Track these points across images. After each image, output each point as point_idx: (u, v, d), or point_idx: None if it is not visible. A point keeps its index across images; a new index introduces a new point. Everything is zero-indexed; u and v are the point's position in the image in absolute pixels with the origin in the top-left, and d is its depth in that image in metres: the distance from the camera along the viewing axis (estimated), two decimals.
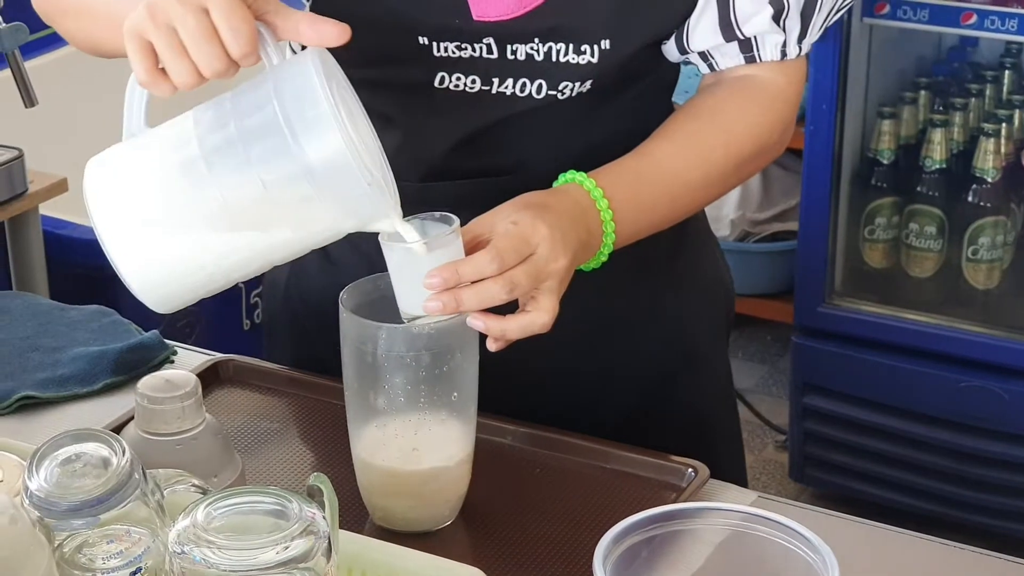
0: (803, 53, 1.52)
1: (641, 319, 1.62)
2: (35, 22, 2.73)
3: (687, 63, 1.56)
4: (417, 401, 1.34)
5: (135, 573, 1.12)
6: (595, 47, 1.47)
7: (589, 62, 1.47)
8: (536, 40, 1.46)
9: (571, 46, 1.46)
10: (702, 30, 1.49)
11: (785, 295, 3.38)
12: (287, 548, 1.06)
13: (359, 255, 1.55)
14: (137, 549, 1.13)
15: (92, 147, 3.08)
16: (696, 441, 1.60)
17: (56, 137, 2.86)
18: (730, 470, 1.50)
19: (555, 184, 1.42)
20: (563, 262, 1.33)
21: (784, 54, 1.50)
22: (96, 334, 1.73)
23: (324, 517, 1.10)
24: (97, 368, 1.65)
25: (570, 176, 1.41)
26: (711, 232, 1.74)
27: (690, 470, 1.44)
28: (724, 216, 3.45)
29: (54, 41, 3.13)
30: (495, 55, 1.47)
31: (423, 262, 1.29)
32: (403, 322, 1.33)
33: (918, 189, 3.08)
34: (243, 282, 2.73)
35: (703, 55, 1.52)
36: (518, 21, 1.45)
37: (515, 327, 1.32)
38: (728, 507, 1.12)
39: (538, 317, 1.32)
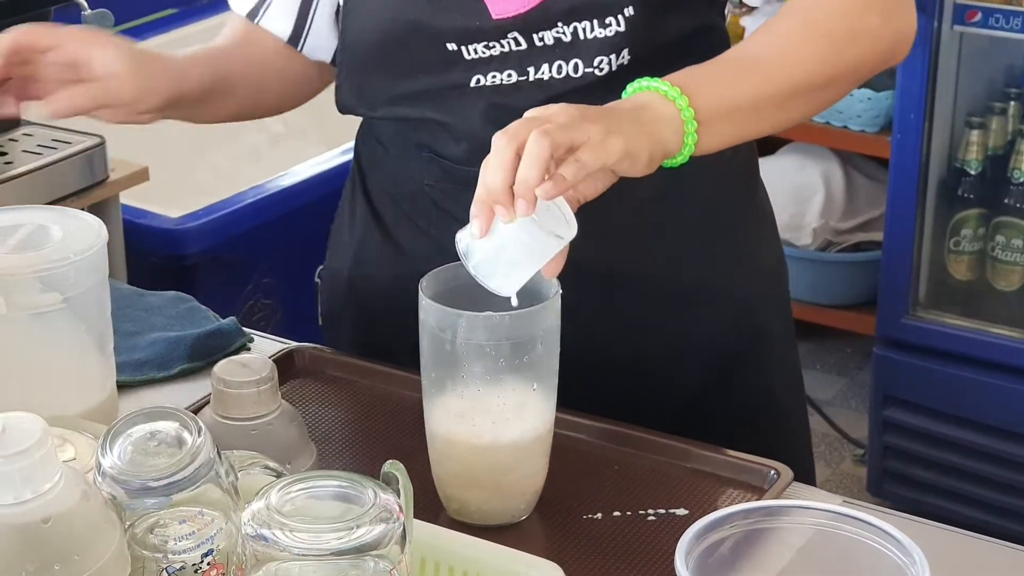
0: None
1: (708, 297, 1.60)
2: (121, 11, 2.75)
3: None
4: (496, 391, 1.32)
5: (207, 555, 1.11)
6: (619, 16, 1.46)
7: (617, 32, 1.47)
8: (559, 24, 1.47)
9: (595, 21, 1.47)
10: None
11: (866, 307, 3.34)
12: (361, 533, 1.04)
13: (428, 240, 1.57)
14: (209, 531, 1.11)
15: (175, 138, 3.09)
16: (761, 428, 1.60)
17: (139, 126, 2.86)
18: (795, 461, 1.47)
19: (627, 91, 1.38)
20: (596, 110, 1.30)
21: None
22: (174, 320, 1.72)
23: (399, 504, 1.08)
24: (174, 353, 1.64)
25: (644, 85, 1.37)
26: (772, 214, 1.71)
27: (772, 472, 1.42)
28: (806, 225, 3.41)
29: (140, 32, 3.14)
30: (524, 46, 1.48)
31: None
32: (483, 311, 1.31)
33: (1005, 201, 3.04)
34: (319, 276, 2.74)
35: None
36: (536, 11, 1.46)
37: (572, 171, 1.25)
38: (814, 505, 1.09)
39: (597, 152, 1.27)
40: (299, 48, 1.66)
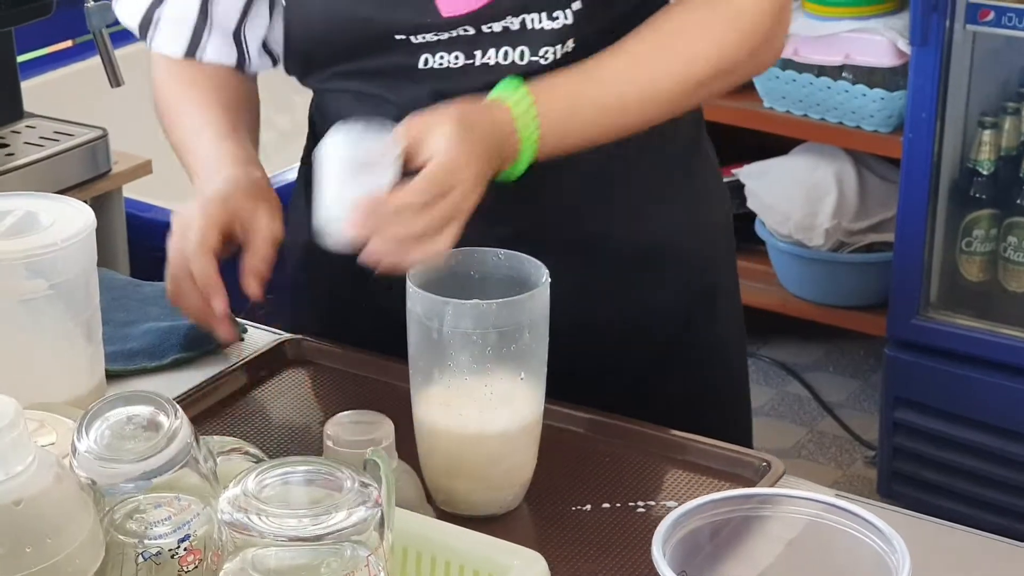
0: None
1: (659, 259, 1.62)
2: None
3: None
4: (483, 380, 1.31)
5: (183, 540, 1.10)
6: (567, 10, 1.48)
7: (565, 24, 1.49)
8: (509, 16, 1.49)
9: (544, 14, 1.49)
10: None
11: (879, 308, 3.32)
12: (338, 519, 1.03)
13: None
14: (186, 516, 1.10)
15: None
16: (716, 385, 1.66)
17: (142, 119, 2.86)
18: (741, 420, 1.49)
19: (493, 92, 1.44)
20: (474, 200, 1.38)
21: None
22: (168, 310, 1.71)
23: (377, 491, 1.07)
24: (166, 343, 1.63)
25: (504, 86, 1.44)
26: (718, 172, 1.74)
27: (763, 463, 1.40)
28: (819, 225, 3.39)
29: None
30: (472, 32, 1.50)
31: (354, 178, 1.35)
32: (470, 299, 1.31)
33: (1018, 202, 3.02)
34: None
35: None
36: (486, 8, 1.48)
37: (414, 260, 1.35)
38: (795, 493, 1.08)
39: (437, 246, 1.35)
40: (245, 70, 1.69)
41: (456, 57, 1.51)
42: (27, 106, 2.38)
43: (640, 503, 1.37)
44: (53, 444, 1.17)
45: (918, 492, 3.16)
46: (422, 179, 1.36)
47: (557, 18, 1.49)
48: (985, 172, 3.04)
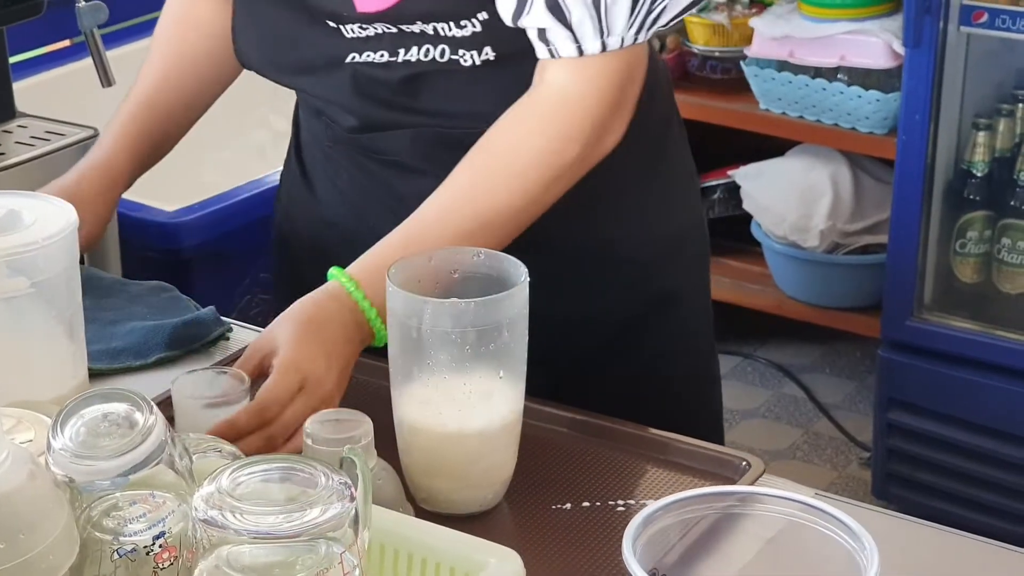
0: (610, 49, 1.46)
1: (609, 258, 1.64)
2: (120, 7, 2.75)
3: None
4: (462, 379, 1.31)
5: (159, 537, 1.10)
6: (473, 20, 1.50)
7: (474, 32, 1.50)
8: (419, 21, 1.50)
9: (451, 23, 1.50)
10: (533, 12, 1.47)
11: (875, 310, 3.32)
12: (311, 516, 1.04)
13: (337, 191, 1.70)
14: (161, 513, 1.11)
15: None
16: (656, 392, 1.66)
17: None
18: (689, 430, 1.50)
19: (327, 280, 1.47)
20: (331, 384, 1.42)
21: (580, 51, 1.46)
22: (154, 309, 1.72)
23: (351, 488, 1.07)
24: (151, 342, 1.64)
25: (335, 274, 1.46)
26: (690, 180, 1.74)
27: (743, 463, 1.41)
28: (814, 227, 3.39)
29: (138, 32, 3.14)
30: (395, 30, 1.52)
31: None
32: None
33: (1012, 203, 3.02)
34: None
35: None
36: (395, 8, 1.50)
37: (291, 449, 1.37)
38: (766, 492, 1.08)
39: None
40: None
41: (381, 55, 1.54)
42: (19, 106, 2.38)
43: (620, 502, 1.38)
44: (31, 441, 1.18)
45: (912, 494, 3.16)
46: (271, 376, 1.40)
47: (465, 27, 1.50)
48: (979, 174, 3.04)
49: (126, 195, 2.45)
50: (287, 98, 3.37)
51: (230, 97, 3.26)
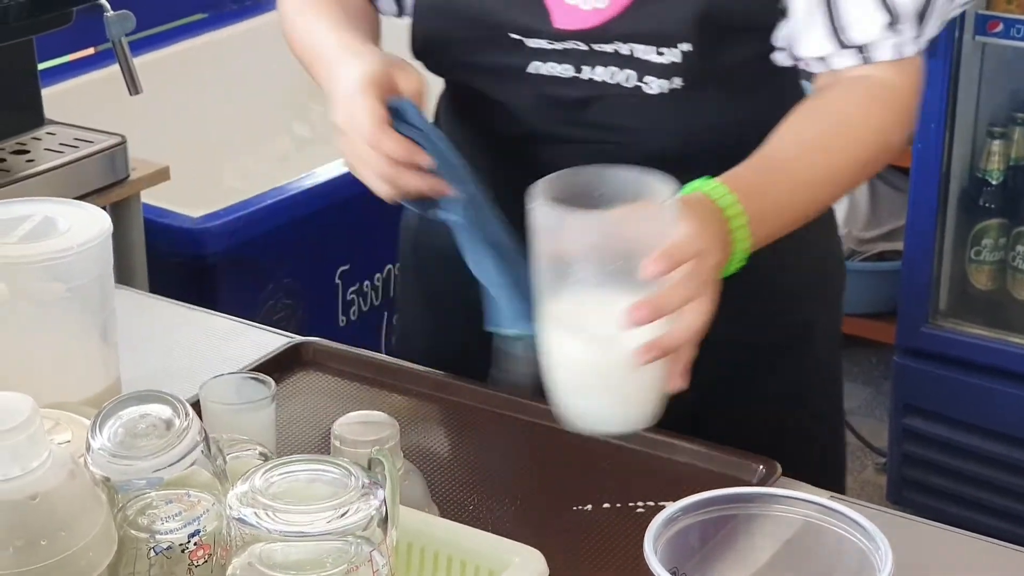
0: (920, 51, 1.51)
1: (753, 283, 1.55)
2: (147, 15, 2.79)
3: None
4: (608, 294, 1.27)
5: (194, 535, 1.13)
6: (675, 48, 1.49)
7: (673, 62, 1.49)
8: (617, 42, 1.50)
9: (652, 48, 1.49)
10: (812, 39, 1.49)
11: (890, 316, 3.34)
12: (342, 516, 1.06)
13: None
14: (196, 512, 1.14)
15: (194, 138, 3.13)
16: (786, 428, 1.61)
17: (160, 126, 2.91)
18: (811, 465, 1.49)
19: (684, 191, 1.37)
20: (721, 260, 1.33)
21: (900, 53, 1.49)
22: None
23: (382, 488, 1.10)
24: None
25: (696, 185, 1.38)
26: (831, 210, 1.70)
27: (760, 467, 1.43)
28: None
29: (168, 38, 3.18)
30: (584, 48, 1.52)
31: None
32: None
33: None
34: (340, 279, 2.77)
35: (817, 59, 1.51)
36: (599, 28, 1.50)
37: (680, 335, 1.28)
38: (783, 493, 1.11)
39: (698, 319, 1.29)
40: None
41: (565, 69, 1.53)
42: (47, 113, 2.41)
43: (640, 504, 1.40)
44: (68, 442, 1.21)
45: (927, 498, 3.17)
46: (678, 238, 1.29)
47: (663, 55, 1.49)
48: (994, 182, 3.06)
49: (151, 201, 2.50)
50: (310, 105, 3.44)
51: (253, 103, 3.31)
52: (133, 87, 2.37)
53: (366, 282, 2.87)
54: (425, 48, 1.61)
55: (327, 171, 2.79)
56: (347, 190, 2.75)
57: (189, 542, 1.13)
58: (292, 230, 2.69)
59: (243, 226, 2.60)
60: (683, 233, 1.28)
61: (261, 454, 1.22)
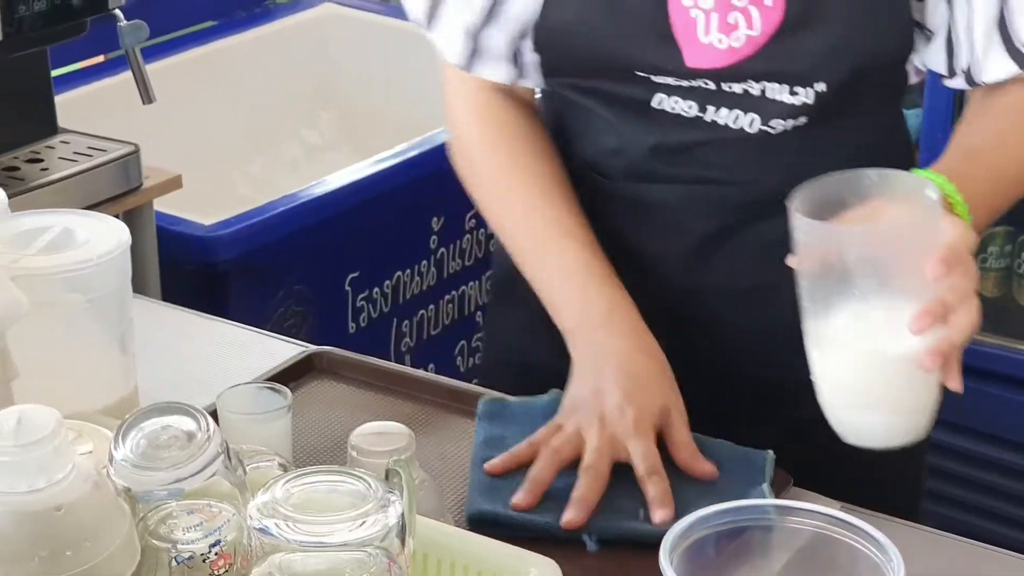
0: None
1: None
2: (158, 23, 2.80)
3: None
4: (885, 303, 1.27)
5: (215, 545, 1.15)
6: (810, 89, 1.49)
7: (804, 103, 1.50)
8: (750, 80, 1.50)
9: (786, 88, 1.49)
10: (994, 64, 1.48)
11: None
12: (361, 526, 1.08)
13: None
14: (217, 522, 1.15)
15: (207, 145, 3.15)
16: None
17: (169, 132, 2.92)
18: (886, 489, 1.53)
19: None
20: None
21: None
22: None
23: (399, 499, 1.11)
24: None
25: (926, 174, 1.39)
26: None
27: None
28: None
29: (177, 45, 3.19)
30: (712, 87, 1.51)
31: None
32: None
33: None
34: (350, 285, 2.78)
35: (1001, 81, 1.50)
36: (734, 66, 1.49)
37: (960, 335, 1.29)
38: (798, 505, 1.12)
39: (971, 316, 1.30)
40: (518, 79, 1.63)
41: (690, 106, 1.53)
42: (59, 119, 2.43)
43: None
44: (90, 452, 1.22)
45: (936, 506, 3.17)
46: (951, 238, 1.29)
47: (797, 94, 1.49)
48: None
49: (163, 208, 2.51)
50: (319, 112, 3.45)
51: (263, 110, 3.33)
52: (146, 96, 2.38)
53: (375, 289, 2.88)
54: (546, 71, 1.59)
55: (337, 178, 2.80)
56: (357, 197, 2.77)
57: (210, 552, 1.14)
58: (303, 237, 2.70)
59: (254, 233, 2.61)
60: (955, 233, 1.29)
61: (280, 465, 1.24)
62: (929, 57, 1.52)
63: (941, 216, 1.29)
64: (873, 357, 1.28)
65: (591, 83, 1.56)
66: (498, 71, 1.59)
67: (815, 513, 1.12)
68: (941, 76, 1.53)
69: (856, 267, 1.25)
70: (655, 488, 1.39)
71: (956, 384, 1.30)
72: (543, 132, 1.63)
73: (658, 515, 1.37)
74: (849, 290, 1.26)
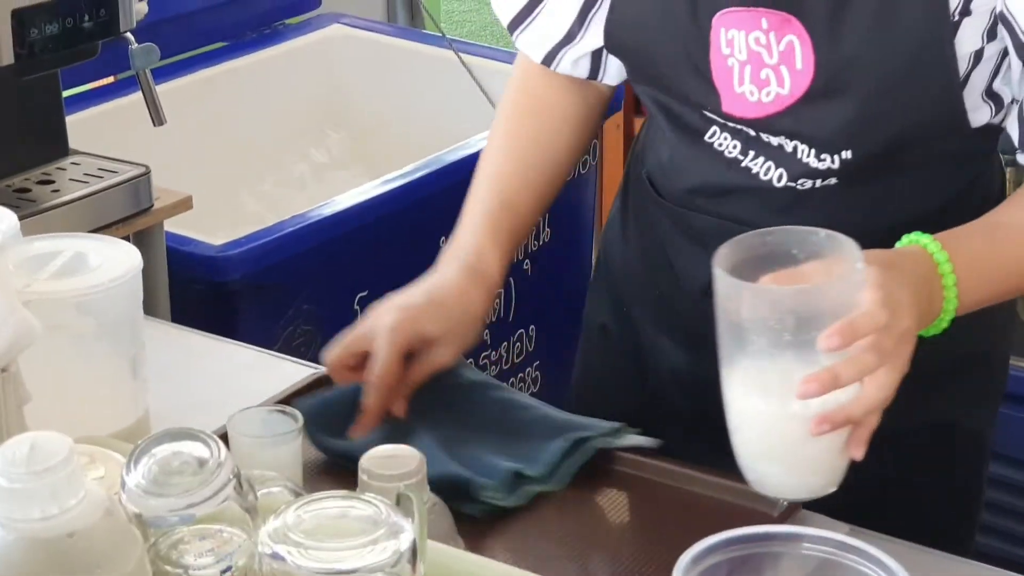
0: None
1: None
2: (169, 44, 2.81)
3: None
4: (785, 363, 1.29)
5: (226, 571, 1.15)
6: (836, 156, 1.50)
7: (830, 167, 1.51)
8: (782, 136, 1.52)
9: (813, 151, 1.51)
10: None
11: None
12: (373, 552, 1.08)
13: (631, 237, 1.77)
14: (228, 548, 1.15)
15: (217, 167, 3.14)
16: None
17: (178, 153, 2.93)
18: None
19: (898, 245, 1.41)
20: (912, 327, 1.33)
21: None
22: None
23: (411, 525, 1.12)
24: None
25: (914, 238, 1.40)
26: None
27: (781, 501, 1.44)
28: None
29: (188, 66, 3.20)
30: (753, 133, 1.54)
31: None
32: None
33: None
34: (358, 304, 2.77)
35: None
36: (763, 120, 1.51)
37: (859, 408, 1.29)
38: (808, 531, 1.13)
39: (880, 392, 1.29)
40: (599, 78, 1.71)
41: (734, 146, 1.56)
42: (70, 140, 2.43)
43: (656, 536, 1.42)
44: (102, 478, 1.23)
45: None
46: (864, 309, 1.29)
47: (824, 160, 1.51)
48: None
49: (173, 228, 2.52)
50: (328, 132, 3.45)
51: (272, 131, 3.33)
52: (157, 119, 2.39)
53: None
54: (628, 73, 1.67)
55: (346, 199, 2.80)
56: (366, 217, 2.77)
57: None
58: (312, 256, 2.70)
59: (264, 253, 2.62)
60: (867, 304, 1.28)
61: (292, 491, 1.24)
62: (1010, 126, 1.52)
63: (860, 284, 1.30)
64: (771, 413, 1.32)
65: (664, 98, 1.61)
66: (578, 69, 1.69)
67: (826, 539, 1.12)
68: (1016, 149, 1.52)
69: (751, 325, 1.29)
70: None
71: (854, 452, 1.31)
72: (570, 115, 1.74)
73: None
74: (748, 347, 1.30)
